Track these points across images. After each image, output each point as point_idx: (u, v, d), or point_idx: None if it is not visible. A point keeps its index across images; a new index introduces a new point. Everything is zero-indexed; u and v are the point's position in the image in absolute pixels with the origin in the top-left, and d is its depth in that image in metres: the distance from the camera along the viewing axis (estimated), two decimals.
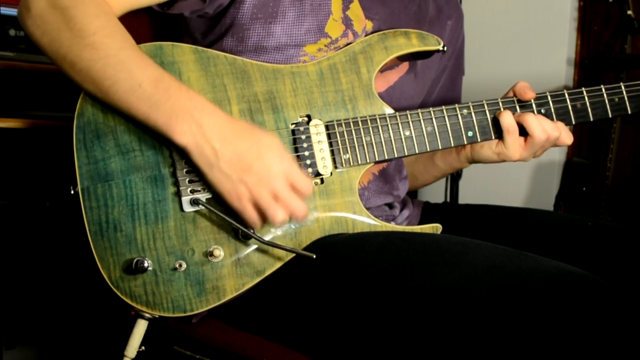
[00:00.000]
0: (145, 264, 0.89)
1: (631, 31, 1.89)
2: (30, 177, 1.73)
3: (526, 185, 2.25)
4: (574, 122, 1.06)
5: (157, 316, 0.92)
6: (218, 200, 0.92)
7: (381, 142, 1.01)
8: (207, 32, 1.05)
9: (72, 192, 0.92)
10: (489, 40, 2.30)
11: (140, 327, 0.93)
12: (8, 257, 1.70)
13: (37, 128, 1.63)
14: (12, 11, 1.65)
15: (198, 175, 0.92)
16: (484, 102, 1.04)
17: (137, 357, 0.94)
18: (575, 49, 2.13)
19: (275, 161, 0.88)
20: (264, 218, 0.89)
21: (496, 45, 2.29)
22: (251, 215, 0.89)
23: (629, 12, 1.87)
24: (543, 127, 1.02)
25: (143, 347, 0.94)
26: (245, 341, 1.01)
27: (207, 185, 0.92)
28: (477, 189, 2.33)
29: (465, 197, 2.32)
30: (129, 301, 0.90)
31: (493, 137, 1.05)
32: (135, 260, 0.89)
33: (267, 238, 0.94)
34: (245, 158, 0.87)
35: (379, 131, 1.01)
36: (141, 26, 1.14)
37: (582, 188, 2.08)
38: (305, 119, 0.99)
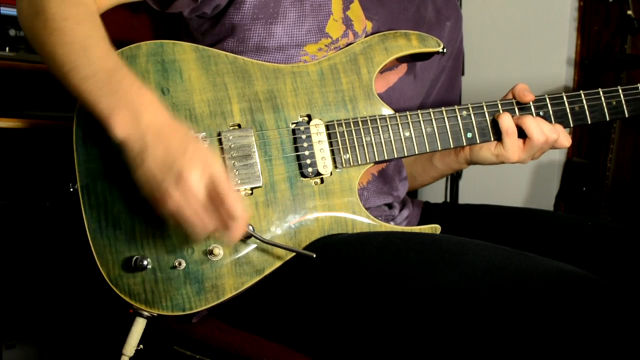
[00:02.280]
0: (145, 262, 0.89)
1: (631, 31, 1.89)
2: (30, 177, 1.73)
3: (526, 185, 2.24)
4: (572, 125, 1.07)
5: (155, 314, 0.91)
6: None
7: (381, 142, 1.01)
8: (207, 32, 1.05)
9: (72, 189, 0.91)
10: (489, 41, 2.30)
11: (139, 325, 0.93)
12: (8, 257, 1.70)
13: (37, 128, 1.63)
14: (12, 11, 1.65)
15: None
16: (483, 103, 1.05)
17: (136, 355, 0.94)
18: (575, 49, 2.13)
19: (199, 163, 0.81)
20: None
21: (496, 45, 2.29)
22: (171, 222, 0.84)
23: (629, 12, 1.87)
24: (542, 130, 1.03)
25: (142, 346, 0.94)
26: (245, 341, 1.01)
27: None
28: (477, 189, 2.33)
29: (465, 197, 2.32)
30: (127, 299, 0.90)
31: (492, 139, 1.06)
32: (134, 258, 0.89)
33: (267, 237, 0.94)
34: (170, 155, 0.81)
35: (379, 131, 1.01)
36: (141, 26, 1.14)
37: (582, 188, 2.08)
38: (306, 118, 0.99)
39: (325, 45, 1.03)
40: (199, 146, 0.83)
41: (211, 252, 0.91)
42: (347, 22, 1.05)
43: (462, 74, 1.34)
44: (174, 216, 0.82)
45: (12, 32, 1.61)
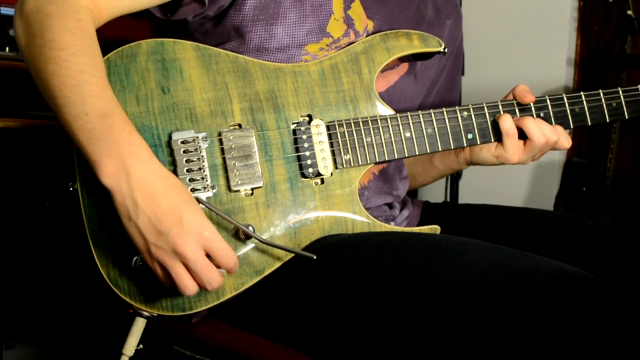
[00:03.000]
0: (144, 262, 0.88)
1: (631, 31, 1.89)
2: (30, 177, 1.73)
3: (526, 185, 2.25)
4: (572, 126, 1.07)
5: (155, 315, 0.91)
6: (219, 199, 0.92)
7: (382, 142, 1.01)
8: (208, 33, 1.05)
9: (71, 188, 0.91)
10: (489, 41, 2.30)
11: (139, 325, 0.93)
12: (8, 257, 1.70)
13: (37, 128, 1.63)
14: (12, 11, 1.65)
15: (199, 174, 0.92)
16: (484, 104, 1.05)
17: (136, 355, 0.94)
18: (575, 49, 2.13)
19: (193, 232, 0.81)
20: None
21: (496, 45, 2.29)
22: (162, 277, 0.84)
23: (629, 12, 1.87)
24: (542, 131, 1.03)
25: (141, 346, 0.94)
26: (245, 341, 1.01)
27: (210, 184, 0.92)
28: (477, 189, 2.34)
29: (465, 197, 2.32)
30: (127, 299, 0.90)
31: (492, 140, 1.06)
32: (134, 259, 0.89)
33: (267, 238, 0.94)
34: (163, 222, 0.81)
35: (379, 132, 1.01)
36: (141, 26, 1.13)
37: (582, 188, 2.08)
38: (307, 118, 0.99)
39: (327, 45, 1.03)
40: (192, 211, 0.82)
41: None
42: (349, 22, 1.05)
43: (462, 73, 1.34)
44: (161, 271, 0.84)
45: (12, 32, 1.61)
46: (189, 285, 0.82)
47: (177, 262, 0.82)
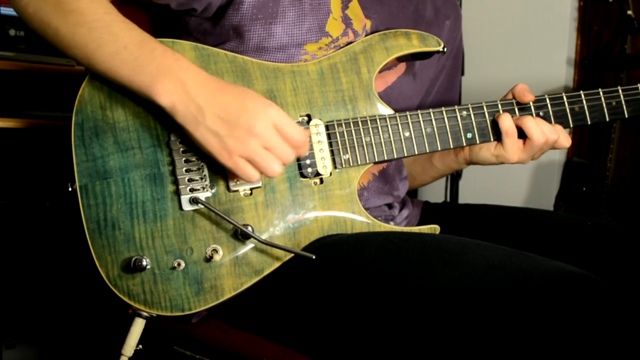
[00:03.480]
0: (144, 263, 0.88)
1: (631, 31, 1.89)
2: (30, 177, 1.73)
3: (526, 185, 2.25)
4: (572, 125, 1.06)
5: (154, 315, 0.91)
6: (218, 199, 0.92)
7: (381, 142, 1.01)
8: (207, 33, 1.05)
9: (70, 189, 0.91)
10: (489, 41, 2.30)
11: (138, 326, 0.93)
12: (8, 257, 1.70)
13: (37, 128, 1.63)
14: (12, 11, 1.65)
15: (198, 174, 0.92)
16: (483, 104, 1.05)
17: (135, 356, 0.94)
18: (575, 49, 2.13)
19: (261, 111, 0.86)
20: (259, 171, 0.88)
21: (496, 45, 2.29)
22: (245, 171, 0.87)
23: (629, 12, 1.87)
24: (542, 130, 1.02)
25: (140, 346, 0.94)
26: (245, 341, 1.01)
27: (208, 185, 0.92)
28: (477, 189, 2.34)
29: (465, 197, 2.32)
30: (127, 300, 0.90)
31: (492, 139, 1.05)
32: (133, 259, 0.89)
33: (266, 237, 0.94)
34: (231, 112, 0.85)
35: (378, 132, 1.00)
36: (140, 25, 1.13)
37: (582, 188, 2.08)
38: (306, 118, 0.99)
39: (326, 45, 1.03)
40: (252, 95, 0.88)
41: (211, 255, 0.91)
42: (347, 21, 1.05)
43: (462, 73, 1.34)
44: (244, 164, 0.87)
45: (12, 32, 1.61)
46: (275, 165, 0.87)
47: (257, 144, 0.85)
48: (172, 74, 0.86)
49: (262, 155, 0.86)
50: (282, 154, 0.87)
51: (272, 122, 0.86)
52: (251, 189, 0.95)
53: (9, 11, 1.65)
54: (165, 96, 0.86)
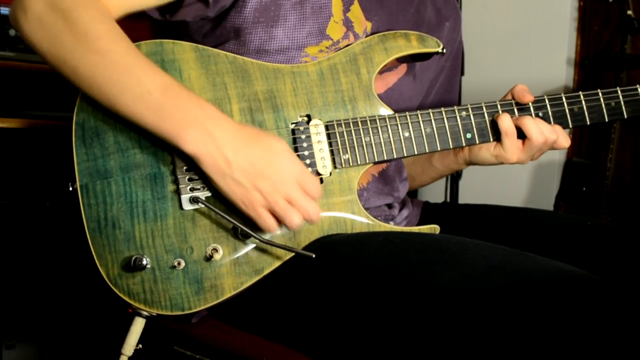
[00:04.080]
0: (144, 262, 0.89)
1: (631, 31, 1.89)
2: (30, 177, 1.73)
3: (526, 185, 2.25)
4: (571, 126, 1.07)
5: (155, 314, 0.91)
6: (218, 198, 0.92)
7: (380, 142, 1.01)
8: (207, 35, 1.05)
9: (71, 188, 0.91)
10: (489, 41, 2.30)
11: (138, 325, 0.93)
12: (8, 257, 1.70)
13: (37, 128, 1.63)
14: None
15: (198, 174, 0.92)
16: (483, 104, 1.05)
17: (135, 355, 0.94)
18: (575, 49, 2.13)
19: (287, 166, 0.88)
20: (280, 223, 0.90)
21: (496, 45, 2.29)
22: (267, 221, 0.89)
23: (629, 12, 1.87)
24: (541, 130, 1.03)
25: (140, 345, 0.94)
26: (245, 341, 1.01)
27: (208, 185, 0.92)
28: (477, 189, 2.34)
29: (465, 197, 2.32)
30: (127, 299, 0.90)
31: (491, 140, 1.06)
32: (133, 258, 0.89)
33: (266, 237, 0.94)
34: (258, 165, 0.87)
35: (378, 132, 1.01)
36: (140, 26, 1.14)
37: (582, 188, 2.08)
38: (305, 118, 0.99)
39: (326, 47, 1.03)
40: (280, 149, 0.89)
41: (211, 254, 0.91)
42: (348, 24, 1.05)
43: (462, 74, 1.34)
44: (266, 215, 0.89)
45: (12, 32, 1.61)
46: (295, 217, 0.89)
47: (280, 198, 0.88)
48: (199, 123, 0.85)
49: (284, 209, 0.88)
50: (303, 209, 0.89)
51: (295, 177, 0.89)
52: None
53: (9, 11, 1.65)
54: (193, 145, 0.85)
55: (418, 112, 1.02)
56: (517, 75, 2.21)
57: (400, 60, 1.11)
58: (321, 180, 0.99)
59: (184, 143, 0.85)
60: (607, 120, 1.07)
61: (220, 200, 0.92)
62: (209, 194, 0.93)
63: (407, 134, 1.02)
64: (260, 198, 0.87)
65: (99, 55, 0.85)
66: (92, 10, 0.87)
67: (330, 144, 0.99)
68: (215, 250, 0.91)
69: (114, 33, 0.88)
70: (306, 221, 0.91)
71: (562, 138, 1.05)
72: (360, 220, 1.00)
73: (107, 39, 0.86)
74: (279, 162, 0.88)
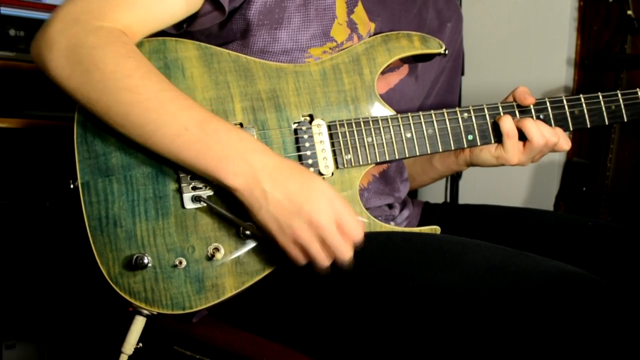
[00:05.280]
0: (145, 261, 0.88)
1: (631, 31, 1.90)
2: (30, 177, 1.73)
3: (526, 185, 2.25)
4: (571, 128, 1.07)
5: (155, 313, 0.91)
6: (220, 197, 0.92)
7: (382, 143, 1.01)
8: (211, 36, 1.04)
9: (72, 186, 0.91)
10: (490, 41, 2.31)
11: (138, 323, 0.93)
12: (8, 257, 1.70)
13: (37, 128, 1.63)
14: (12, 11, 1.65)
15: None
16: (484, 106, 1.05)
17: (135, 354, 0.94)
18: (575, 49, 2.14)
19: (325, 205, 0.84)
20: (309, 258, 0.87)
21: (496, 45, 2.30)
22: (296, 256, 0.86)
23: (629, 12, 1.88)
24: (542, 133, 1.03)
25: (141, 344, 0.94)
26: (245, 341, 1.01)
27: (209, 183, 0.92)
28: (477, 189, 2.34)
29: (465, 197, 2.32)
30: (127, 297, 0.90)
31: (492, 141, 1.06)
32: (134, 257, 0.88)
33: (266, 237, 0.94)
34: (294, 201, 0.83)
35: (380, 132, 1.01)
36: None
37: (582, 188, 2.08)
38: (308, 118, 0.99)
39: (330, 49, 1.03)
40: (319, 185, 0.85)
41: (212, 254, 0.91)
42: (352, 26, 1.05)
43: (462, 74, 1.34)
44: (297, 252, 0.86)
45: (12, 32, 1.61)
46: (325, 258, 0.85)
47: (313, 237, 0.84)
48: (239, 156, 0.84)
49: (315, 247, 0.84)
50: (338, 252, 0.85)
51: (334, 217, 0.84)
52: None
53: (9, 11, 1.65)
54: (233, 179, 0.84)
55: (420, 113, 1.02)
56: (517, 76, 2.21)
57: (403, 60, 1.11)
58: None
59: (225, 177, 0.84)
60: (607, 123, 1.08)
61: (222, 200, 0.92)
62: (211, 192, 0.93)
63: (409, 135, 1.02)
64: (293, 234, 0.84)
65: (131, 93, 0.83)
66: (118, 46, 0.85)
67: (332, 144, 0.99)
68: (217, 249, 0.91)
69: (144, 68, 0.86)
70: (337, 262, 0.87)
71: (562, 140, 1.05)
72: (361, 220, 1.00)
73: (137, 75, 0.84)
74: (317, 200, 0.83)
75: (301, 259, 0.86)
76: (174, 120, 0.83)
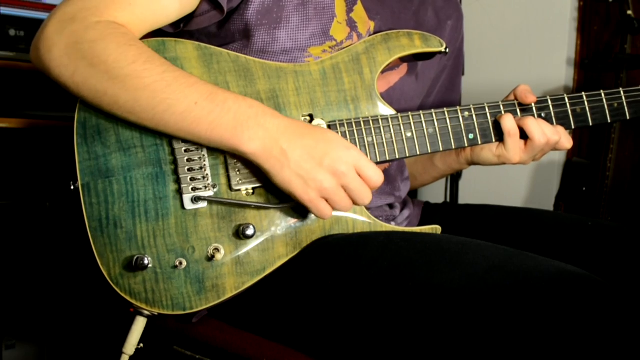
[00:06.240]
0: (146, 261, 0.88)
1: (631, 31, 1.89)
2: (30, 177, 1.73)
3: (526, 185, 2.25)
4: (573, 127, 1.07)
5: (156, 314, 0.91)
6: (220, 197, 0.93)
7: (383, 142, 1.01)
8: (210, 36, 1.04)
9: (72, 187, 0.91)
10: (490, 41, 2.31)
11: (139, 324, 0.93)
12: (8, 257, 1.70)
13: (37, 128, 1.63)
14: (12, 11, 1.65)
15: (200, 173, 0.92)
16: (486, 104, 1.05)
17: (136, 354, 0.94)
18: (575, 49, 2.14)
19: (344, 154, 0.89)
20: (333, 207, 0.91)
21: (496, 45, 2.30)
22: (320, 208, 0.90)
23: (629, 12, 1.87)
24: (543, 131, 1.03)
25: (142, 345, 0.94)
26: (245, 341, 1.01)
27: (211, 183, 0.92)
28: (477, 189, 2.34)
29: (465, 197, 2.32)
30: (128, 298, 0.90)
31: (494, 140, 1.06)
32: (135, 258, 0.89)
33: (268, 237, 0.94)
34: (314, 155, 0.87)
35: (380, 132, 1.01)
36: None
37: (582, 188, 2.08)
38: (308, 118, 0.99)
39: (330, 48, 1.03)
40: (333, 137, 0.90)
41: (213, 254, 0.91)
42: (351, 24, 1.04)
43: (463, 73, 1.34)
44: (323, 205, 0.90)
45: (12, 32, 1.61)
46: (350, 204, 0.91)
47: (338, 186, 0.89)
48: (252, 121, 0.86)
49: (340, 195, 0.89)
50: (359, 195, 0.90)
51: (353, 164, 0.89)
52: (253, 188, 0.95)
53: (9, 11, 1.65)
54: (249, 144, 0.86)
55: (421, 112, 1.02)
56: (517, 76, 2.21)
57: (402, 59, 1.11)
58: None
59: (241, 144, 0.86)
60: (609, 121, 1.07)
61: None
62: (210, 193, 0.93)
63: (409, 134, 1.02)
64: (318, 187, 0.88)
65: (136, 77, 0.84)
66: (118, 36, 0.86)
67: None
68: (217, 250, 0.91)
69: (146, 53, 0.87)
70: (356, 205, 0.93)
71: (564, 139, 1.05)
72: (362, 220, 1.00)
73: (140, 60, 0.85)
74: (336, 150, 0.88)
75: (329, 211, 0.90)
76: (182, 97, 0.85)
